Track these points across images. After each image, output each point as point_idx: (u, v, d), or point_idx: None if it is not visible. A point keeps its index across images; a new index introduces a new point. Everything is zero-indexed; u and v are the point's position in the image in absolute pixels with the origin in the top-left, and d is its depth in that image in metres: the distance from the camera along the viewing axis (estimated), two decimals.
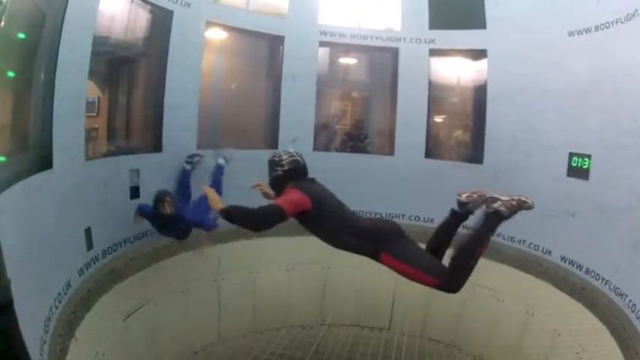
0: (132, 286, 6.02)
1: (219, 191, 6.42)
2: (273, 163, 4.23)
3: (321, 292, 8.43)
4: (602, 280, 5.92)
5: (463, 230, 3.92)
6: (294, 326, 8.31)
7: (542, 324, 6.64)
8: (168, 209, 5.77)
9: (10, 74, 4.27)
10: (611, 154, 5.85)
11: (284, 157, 4.22)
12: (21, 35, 4.31)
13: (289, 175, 4.17)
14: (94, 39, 5.28)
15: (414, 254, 3.82)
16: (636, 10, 5.43)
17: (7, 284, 2.57)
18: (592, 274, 6.10)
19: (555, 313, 6.48)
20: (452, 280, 3.60)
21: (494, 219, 3.62)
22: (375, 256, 3.89)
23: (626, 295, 5.45)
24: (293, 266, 8.16)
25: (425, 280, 3.68)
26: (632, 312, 5.27)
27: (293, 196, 3.89)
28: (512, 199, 3.58)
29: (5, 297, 2.48)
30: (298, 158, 4.27)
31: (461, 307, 7.76)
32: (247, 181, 4.82)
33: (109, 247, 5.85)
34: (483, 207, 3.75)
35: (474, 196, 3.81)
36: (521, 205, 3.58)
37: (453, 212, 3.98)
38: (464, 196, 3.87)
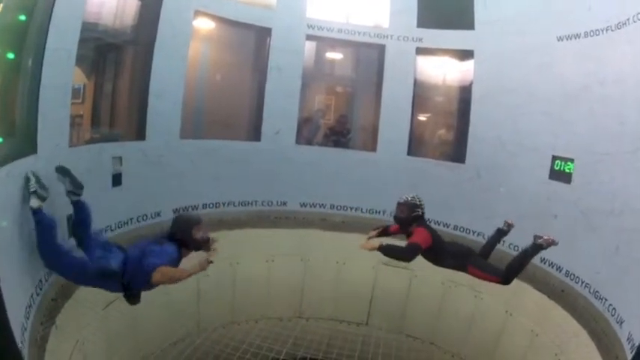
0: None
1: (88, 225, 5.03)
2: (415, 206, 5.29)
3: (300, 285, 8.45)
4: (582, 283, 6.00)
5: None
6: (272, 318, 8.33)
7: (521, 324, 6.74)
8: (204, 232, 4.91)
9: (10, 56, 4.27)
10: (596, 159, 5.91)
11: (423, 202, 5.34)
12: (22, 17, 4.30)
13: (424, 215, 5.33)
14: (83, 25, 5.20)
15: (484, 264, 5.34)
16: (627, 19, 5.47)
17: None
18: (572, 277, 6.18)
19: (534, 314, 6.58)
20: (507, 278, 5.13)
21: (537, 248, 5.01)
22: (463, 269, 5.33)
23: (606, 299, 5.52)
24: (273, 258, 8.16)
25: (490, 279, 5.24)
26: (612, 316, 5.34)
27: (425, 236, 5.09)
28: (549, 238, 4.95)
29: None
30: None
31: (439, 305, 7.86)
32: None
33: None
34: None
35: (513, 223, 5.61)
36: (553, 242, 4.94)
37: (499, 230, 5.68)
38: (511, 221, 5.61)
